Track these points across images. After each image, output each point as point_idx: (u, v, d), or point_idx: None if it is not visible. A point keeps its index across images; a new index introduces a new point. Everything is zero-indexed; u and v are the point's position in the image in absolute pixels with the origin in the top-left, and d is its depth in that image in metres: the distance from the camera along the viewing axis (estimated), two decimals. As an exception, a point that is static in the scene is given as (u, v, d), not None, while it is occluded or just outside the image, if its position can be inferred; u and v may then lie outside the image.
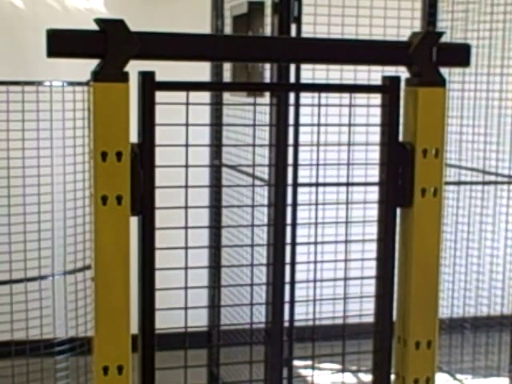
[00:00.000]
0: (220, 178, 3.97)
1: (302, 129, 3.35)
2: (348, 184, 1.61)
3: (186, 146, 1.36)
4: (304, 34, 3.31)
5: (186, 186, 1.38)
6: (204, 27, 3.96)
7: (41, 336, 3.62)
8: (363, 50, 1.39)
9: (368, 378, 4.19)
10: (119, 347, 1.26)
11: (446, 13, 3.99)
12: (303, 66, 3.42)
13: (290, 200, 3.30)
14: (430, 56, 1.36)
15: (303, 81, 3.47)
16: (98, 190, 1.23)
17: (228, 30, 3.87)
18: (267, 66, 3.43)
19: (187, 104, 1.33)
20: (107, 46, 1.21)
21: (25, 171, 3.52)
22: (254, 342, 3.13)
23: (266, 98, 3.85)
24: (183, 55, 1.34)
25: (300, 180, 3.42)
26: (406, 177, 1.40)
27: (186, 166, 1.37)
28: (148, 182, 1.28)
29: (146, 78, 1.27)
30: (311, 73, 3.25)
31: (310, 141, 2.90)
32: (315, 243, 1.61)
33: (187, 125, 1.35)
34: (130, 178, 1.25)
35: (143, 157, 1.27)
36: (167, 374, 1.41)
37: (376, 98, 1.43)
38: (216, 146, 3.93)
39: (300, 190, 3.44)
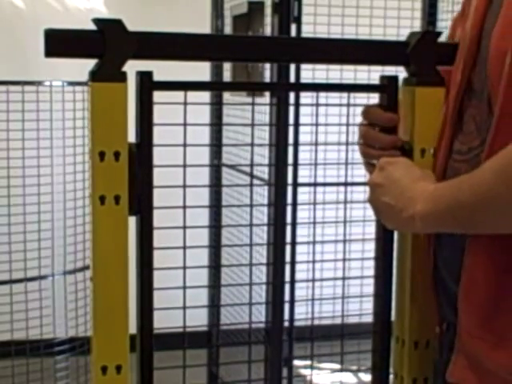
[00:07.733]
0: (220, 177, 3.97)
1: (301, 129, 3.35)
2: (348, 184, 1.61)
3: (184, 145, 1.36)
4: (304, 34, 3.31)
5: (184, 186, 1.38)
6: (204, 27, 3.96)
7: (41, 336, 3.62)
8: (361, 49, 1.39)
9: (368, 377, 4.19)
10: (117, 347, 1.26)
11: (446, 13, 3.99)
12: (303, 66, 3.41)
13: (289, 200, 3.30)
14: (428, 56, 1.36)
15: (303, 81, 3.47)
16: (95, 189, 1.23)
17: (228, 29, 3.87)
18: (267, 65, 3.43)
19: (185, 104, 1.33)
20: (105, 45, 1.21)
21: (25, 171, 3.52)
22: (253, 341, 3.13)
23: (265, 98, 3.85)
24: (182, 55, 1.34)
25: (300, 180, 3.42)
26: (404, 176, 1.39)
27: (184, 166, 1.37)
28: (146, 181, 1.28)
29: (144, 78, 1.27)
30: (311, 73, 3.25)
31: (309, 141, 2.90)
32: (315, 243, 1.61)
33: (185, 124, 1.35)
34: (127, 178, 1.25)
35: (141, 157, 1.27)
36: (166, 373, 1.41)
37: (375, 98, 1.43)
38: (215, 145, 3.93)
39: (300, 189, 3.44)
